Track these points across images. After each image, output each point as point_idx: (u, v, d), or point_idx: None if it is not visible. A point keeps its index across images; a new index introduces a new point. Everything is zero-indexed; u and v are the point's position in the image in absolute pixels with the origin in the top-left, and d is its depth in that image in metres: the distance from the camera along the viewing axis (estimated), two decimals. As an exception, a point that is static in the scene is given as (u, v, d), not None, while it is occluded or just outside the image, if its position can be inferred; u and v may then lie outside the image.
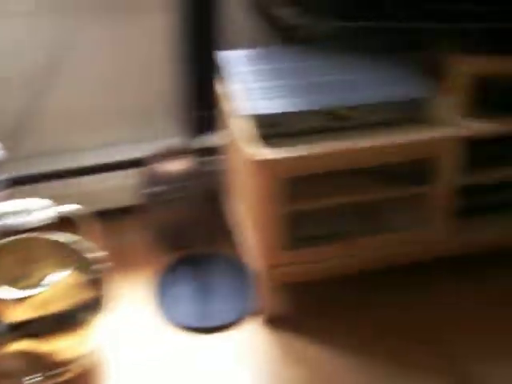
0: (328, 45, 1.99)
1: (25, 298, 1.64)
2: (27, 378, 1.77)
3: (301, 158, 1.72)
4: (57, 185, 2.19)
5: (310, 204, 1.84)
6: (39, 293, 1.66)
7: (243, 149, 1.80)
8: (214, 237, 2.23)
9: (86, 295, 1.73)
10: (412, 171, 1.92)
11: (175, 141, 2.12)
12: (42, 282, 1.83)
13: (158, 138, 2.20)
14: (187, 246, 2.07)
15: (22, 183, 2.11)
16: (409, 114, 1.81)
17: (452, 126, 1.83)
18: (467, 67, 1.83)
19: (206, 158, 2.25)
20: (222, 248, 2.20)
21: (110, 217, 2.27)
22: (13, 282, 1.84)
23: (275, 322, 1.98)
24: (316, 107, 1.75)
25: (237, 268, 2.12)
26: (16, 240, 1.88)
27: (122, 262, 2.15)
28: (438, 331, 1.96)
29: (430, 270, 2.11)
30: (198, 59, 1.75)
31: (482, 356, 1.89)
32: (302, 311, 2.02)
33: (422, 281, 2.10)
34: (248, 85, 1.82)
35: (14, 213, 1.72)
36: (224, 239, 2.21)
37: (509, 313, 2.02)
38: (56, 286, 1.69)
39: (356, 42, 1.97)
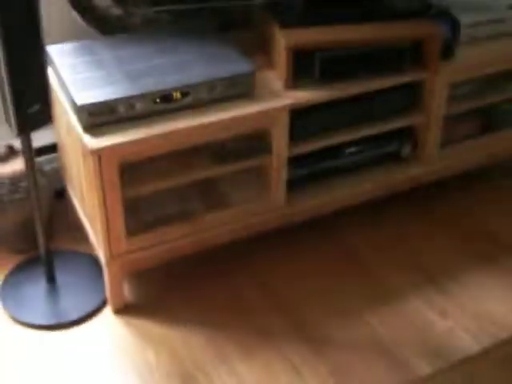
0: (151, 32, 2.02)
1: None
2: None
3: (133, 142, 1.74)
4: None
5: (149, 187, 1.86)
6: None
7: (77, 139, 1.79)
8: (61, 234, 2.21)
9: None
10: (247, 146, 1.99)
11: (10, 141, 2.08)
12: None
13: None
14: (33, 246, 2.04)
15: None
16: (235, 90, 1.87)
17: (277, 97, 1.90)
18: (285, 40, 1.91)
19: (44, 156, 2.23)
20: (70, 244, 2.18)
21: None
22: None
23: (126, 311, 1.99)
24: (142, 91, 1.77)
25: (87, 262, 2.11)
26: None
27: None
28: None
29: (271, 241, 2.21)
30: (24, 55, 1.71)
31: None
32: (153, 296, 2.05)
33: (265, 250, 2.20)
34: (76, 76, 1.81)
35: None
36: (72, 235, 2.20)
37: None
38: None
39: (176, 25, 2.00)
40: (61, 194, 2.23)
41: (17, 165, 2.08)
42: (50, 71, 1.93)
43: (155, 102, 1.79)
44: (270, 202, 2.03)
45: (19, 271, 2.09)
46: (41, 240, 1.96)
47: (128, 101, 1.76)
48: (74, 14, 2.06)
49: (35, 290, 2.03)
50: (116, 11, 1.98)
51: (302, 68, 1.96)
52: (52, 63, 1.91)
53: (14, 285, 2.05)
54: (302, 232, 2.23)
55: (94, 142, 1.72)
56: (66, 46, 1.94)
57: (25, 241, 2.12)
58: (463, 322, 1.98)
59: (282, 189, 2.02)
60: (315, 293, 2.06)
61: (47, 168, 2.20)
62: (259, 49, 2.06)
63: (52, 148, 2.19)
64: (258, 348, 1.90)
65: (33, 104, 1.73)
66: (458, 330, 1.95)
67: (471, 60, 2.13)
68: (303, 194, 2.10)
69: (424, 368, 1.84)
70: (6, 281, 2.06)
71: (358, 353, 1.89)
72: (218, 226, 1.99)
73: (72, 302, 2.00)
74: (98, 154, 1.71)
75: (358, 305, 2.02)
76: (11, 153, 2.11)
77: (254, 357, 1.87)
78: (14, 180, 2.06)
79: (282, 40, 1.91)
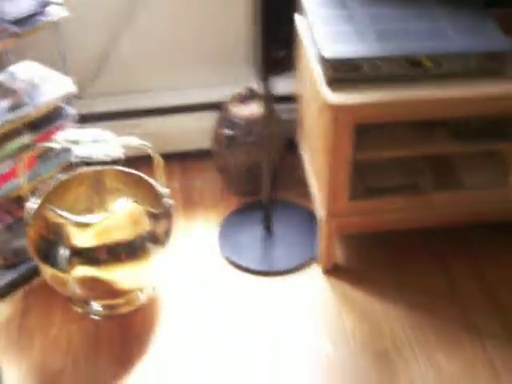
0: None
1: (90, 224, 1.67)
2: (88, 304, 1.82)
3: (373, 104, 1.68)
4: (131, 123, 2.22)
5: (381, 153, 1.80)
6: (103, 219, 1.68)
7: (318, 93, 1.77)
8: (286, 184, 2.22)
9: (151, 228, 1.75)
10: (490, 127, 1.85)
11: (252, 85, 2.11)
12: (108, 211, 1.87)
13: (234, 82, 2.19)
14: (257, 191, 2.07)
15: (97, 119, 2.15)
16: (490, 67, 1.73)
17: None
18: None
19: (283, 105, 2.23)
20: (292, 196, 2.18)
21: (183, 158, 2.30)
22: (84, 211, 1.89)
23: (333, 272, 1.96)
24: (391, 53, 1.69)
25: (304, 216, 2.10)
26: (89, 171, 1.92)
27: (191, 202, 2.18)
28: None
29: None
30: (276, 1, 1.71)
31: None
32: (363, 264, 1.99)
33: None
34: (325, 28, 1.78)
35: (88, 143, 1.74)
36: (296, 187, 2.20)
37: None
38: (121, 216, 1.71)
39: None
40: (292, 145, 2.23)
41: (255, 108, 2.10)
42: (300, 20, 1.92)
43: (403, 66, 1.71)
44: (507, 192, 1.88)
45: (239, 214, 2.13)
46: (265, 187, 1.98)
47: (374, 61, 1.70)
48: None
49: (251, 235, 2.06)
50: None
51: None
52: (304, 12, 1.89)
53: (233, 228, 2.09)
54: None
55: (334, 97, 1.68)
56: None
57: (250, 184, 2.15)
58: None
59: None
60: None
61: (284, 117, 2.21)
62: (504, 28, 1.90)
63: (292, 98, 2.19)
64: (462, 342, 1.78)
65: (278, 50, 1.73)
66: None
67: None
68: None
69: None
70: (225, 223, 2.11)
71: None
72: (446, 206, 1.88)
73: (284, 253, 2.01)
74: (337, 109, 1.67)
75: None
76: (251, 95, 2.14)
77: (456, 350, 1.76)
78: (249, 122, 2.09)
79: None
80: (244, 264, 1.98)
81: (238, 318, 1.85)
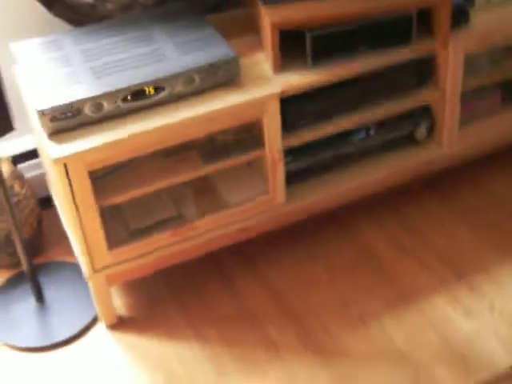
0: (126, 18, 1.82)
1: None
2: None
3: (102, 147, 1.56)
4: None
5: (126, 195, 1.68)
6: None
7: (44, 147, 1.63)
8: (52, 243, 2.06)
9: None
10: (238, 140, 1.80)
11: None
12: None
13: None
14: (18, 261, 1.89)
15: None
16: (217, 79, 1.66)
17: (265, 84, 1.69)
18: (269, 17, 1.69)
19: (29, 161, 2.08)
20: (61, 255, 2.03)
21: None
22: None
23: (119, 325, 1.83)
24: (110, 89, 1.58)
25: (76, 273, 1.95)
26: None
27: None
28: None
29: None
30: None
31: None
32: (149, 304, 1.88)
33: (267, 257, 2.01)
34: (38, 77, 1.64)
35: None
36: (63, 244, 2.04)
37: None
38: None
39: (157, 8, 1.81)
40: (51, 200, 2.07)
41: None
42: (19, 71, 1.77)
43: (125, 100, 1.60)
44: (269, 200, 1.83)
45: (5, 291, 1.94)
46: (22, 255, 1.81)
47: (95, 101, 1.58)
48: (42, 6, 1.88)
49: (24, 310, 1.88)
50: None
51: (293, 49, 1.75)
52: (17, 62, 1.74)
53: (2, 305, 1.91)
54: (312, 229, 2.04)
55: (57, 150, 1.54)
56: (33, 42, 1.76)
57: (11, 255, 1.97)
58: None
59: (281, 184, 1.82)
60: (326, 297, 1.86)
61: (33, 173, 2.05)
62: (251, 29, 1.86)
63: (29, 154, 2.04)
64: (263, 362, 1.72)
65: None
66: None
67: (488, 27, 1.87)
68: (304, 188, 1.90)
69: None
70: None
71: (374, 364, 1.70)
72: (213, 229, 1.81)
73: (63, 320, 1.85)
74: (64, 162, 1.54)
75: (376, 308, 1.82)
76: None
77: (255, 370, 1.70)
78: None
79: (266, 17, 1.69)
80: (21, 344, 1.80)
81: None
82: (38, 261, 2.00)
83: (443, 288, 1.84)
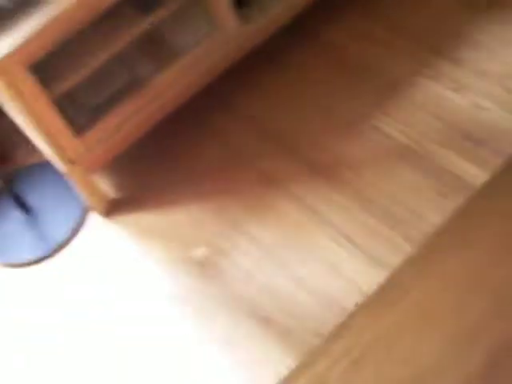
0: None
1: None
2: None
3: (38, 33, 1.40)
4: None
5: (78, 75, 1.53)
6: None
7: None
8: (21, 148, 1.93)
9: None
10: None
11: None
12: None
13: None
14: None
15: None
16: None
17: None
18: None
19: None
20: (35, 157, 1.90)
21: None
22: None
23: (115, 209, 1.75)
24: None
25: (53, 172, 1.84)
26: None
27: None
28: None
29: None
30: None
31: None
32: (138, 176, 1.80)
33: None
34: None
35: None
36: (24, 151, 1.92)
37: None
38: None
39: None
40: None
41: None
42: None
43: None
44: (221, 38, 1.68)
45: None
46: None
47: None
48: None
49: (13, 224, 1.79)
50: None
51: None
52: None
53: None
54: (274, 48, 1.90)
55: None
56: None
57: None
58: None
59: (230, 13, 1.66)
60: (307, 109, 1.77)
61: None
62: None
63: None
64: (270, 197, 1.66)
65: None
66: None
67: None
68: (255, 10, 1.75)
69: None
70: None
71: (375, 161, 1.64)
72: (174, 83, 1.67)
73: (55, 223, 1.76)
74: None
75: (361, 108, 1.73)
76: None
77: (265, 211, 1.64)
78: None
79: None
80: (21, 259, 1.73)
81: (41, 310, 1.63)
82: (5, 170, 1.88)
83: (425, 68, 1.75)
